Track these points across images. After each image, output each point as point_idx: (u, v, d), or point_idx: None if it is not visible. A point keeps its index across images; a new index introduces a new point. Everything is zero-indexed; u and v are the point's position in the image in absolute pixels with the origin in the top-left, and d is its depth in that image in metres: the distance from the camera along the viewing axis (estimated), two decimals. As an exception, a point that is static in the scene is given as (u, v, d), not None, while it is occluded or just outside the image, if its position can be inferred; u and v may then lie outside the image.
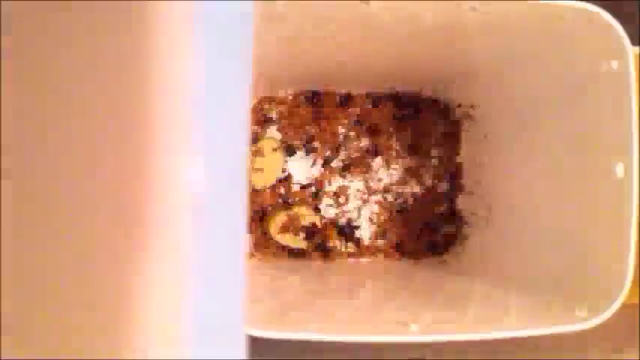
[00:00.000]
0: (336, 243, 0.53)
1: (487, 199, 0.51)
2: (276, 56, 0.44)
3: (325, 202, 0.54)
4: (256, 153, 0.52)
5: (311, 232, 0.53)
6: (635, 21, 0.43)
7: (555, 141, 0.43)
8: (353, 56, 0.45)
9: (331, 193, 0.54)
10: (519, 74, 0.45)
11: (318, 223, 0.53)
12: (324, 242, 0.53)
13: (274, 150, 0.52)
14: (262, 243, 0.52)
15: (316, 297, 0.44)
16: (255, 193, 0.53)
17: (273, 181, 0.53)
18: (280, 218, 0.52)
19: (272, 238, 0.52)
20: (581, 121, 0.40)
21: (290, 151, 0.53)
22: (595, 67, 0.37)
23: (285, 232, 0.52)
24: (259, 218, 0.53)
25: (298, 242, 0.52)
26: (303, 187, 0.54)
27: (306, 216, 0.52)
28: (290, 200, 0.53)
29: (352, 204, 0.54)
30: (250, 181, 0.52)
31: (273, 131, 0.53)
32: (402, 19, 0.38)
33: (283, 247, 0.53)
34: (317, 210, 0.53)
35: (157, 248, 0.18)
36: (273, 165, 0.53)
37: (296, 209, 0.52)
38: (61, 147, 0.19)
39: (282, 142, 0.53)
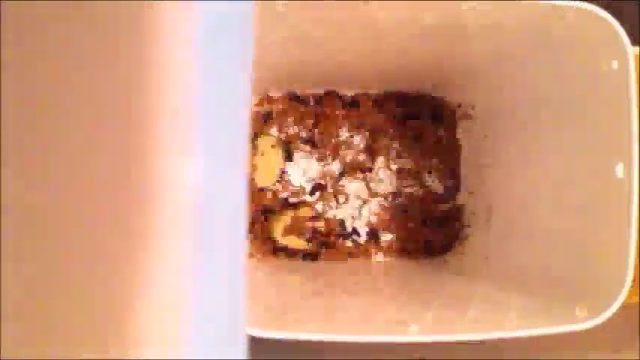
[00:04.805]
0: (338, 241, 0.53)
1: (487, 199, 0.51)
2: (276, 56, 0.44)
3: (325, 202, 0.54)
4: (254, 151, 0.52)
5: (314, 233, 0.53)
6: (635, 21, 0.43)
7: (555, 141, 0.43)
8: (353, 56, 0.45)
9: (331, 193, 0.54)
10: (519, 74, 0.45)
11: (321, 226, 0.53)
12: (326, 241, 0.53)
13: (272, 147, 0.52)
14: (262, 243, 0.52)
15: (316, 297, 0.44)
16: (255, 193, 0.53)
17: (272, 179, 0.53)
18: (284, 220, 0.52)
19: (273, 239, 0.52)
20: (581, 121, 0.40)
21: (288, 148, 0.53)
22: (595, 67, 0.37)
23: (290, 233, 0.52)
24: (264, 218, 0.53)
25: (302, 244, 0.52)
26: (303, 187, 0.54)
27: (309, 218, 0.52)
28: (291, 201, 0.53)
29: (352, 204, 0.54)
30: (250, 181, 0.52)
31: (272, 131, 0.53)
32: (402, 19, 0.38)
33: (282, 248, 0.53)
34: (315, 210, 0.53)
35: (156, 248, 0.18)
36: (271, 163, 0.53)
37: (300, 211, 0.52)
38: (61, 147, 0.19)
39: (280, 140, 0.53)
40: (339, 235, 0.53)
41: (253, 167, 0.52)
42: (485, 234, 0.51)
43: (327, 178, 0.54)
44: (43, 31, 0.19)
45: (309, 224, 0.52)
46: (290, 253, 0.53)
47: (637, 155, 0.35)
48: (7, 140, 0.19)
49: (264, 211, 0.53)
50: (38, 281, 0.19)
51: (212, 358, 0.19)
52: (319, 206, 0.53)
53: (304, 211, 0.52)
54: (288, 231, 0.52)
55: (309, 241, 0.52)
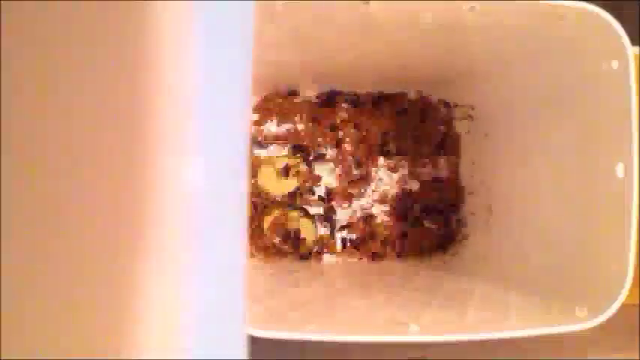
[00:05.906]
0: (317, 253, 0.53)
1: (487, 199, 0.51)
2: (276, 56, 0.44)
3: (324, 202, 0.54)
4: (278, 174, 0.53)
5: (289, 236, 0.53)
6: (635, 21, 0.43)
7: (555, 141, 0.43)
8: (353, 56, 0.45)
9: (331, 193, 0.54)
10: (519, 74, 0.45)
11: (309, 236, 0.53)
12: (302, 249, 0.53)
13: (294, 176, 0.53)
14: (262, 243, 0.52)
15: (316, 297, 0.44)
16: (255, 192, 0.53)
17: (284, 192, 0.53)
18: (272, 215, 0.52)
19: (265, 233, 0.52)
20: (581, 121, 0.40)
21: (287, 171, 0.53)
22: (595, 67, 0.37)
23: (272, 230, 0.52)
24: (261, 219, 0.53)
25: (277, 241, 0.53)
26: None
27: (294, 222, 0.52)
28: (292, 201, 0.53)
29: (352, 204, 0.54)
30: (265, 188, 0.53)
31: (270, 127, 0.53)
32: (402, 20, 0.38)
33: (274, 245, 0.53)
34: (309, 215, 0.53)
35: (157, 248, 0.18)
36: (289, 185, 0.53)
37: (290, 212, 0.53)
38: (60, 147, 0.19)
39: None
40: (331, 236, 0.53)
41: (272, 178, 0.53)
42: (485, 234, 0.51)
43: (327, 178, 0.54)
44: (43, 31, 0.19)
45: (285, 227, 0.52)
46: (290, 253, 0.53)
47: (637, 155, 0.35)
48: (6, 140, 0.19)
49: (264, 205, 0.53)
50: (38, 281, 0.19)
51: (212, 359, 0.19)
52: (318, 208, 0.54)
53: (292, 214, 0.52)
54: (272, 227, 0.52)
55: (284, 241, 0.52)
